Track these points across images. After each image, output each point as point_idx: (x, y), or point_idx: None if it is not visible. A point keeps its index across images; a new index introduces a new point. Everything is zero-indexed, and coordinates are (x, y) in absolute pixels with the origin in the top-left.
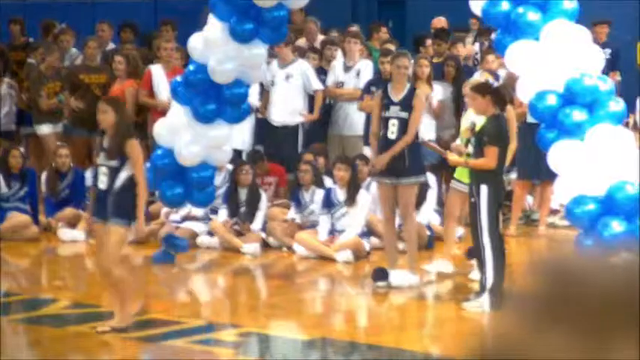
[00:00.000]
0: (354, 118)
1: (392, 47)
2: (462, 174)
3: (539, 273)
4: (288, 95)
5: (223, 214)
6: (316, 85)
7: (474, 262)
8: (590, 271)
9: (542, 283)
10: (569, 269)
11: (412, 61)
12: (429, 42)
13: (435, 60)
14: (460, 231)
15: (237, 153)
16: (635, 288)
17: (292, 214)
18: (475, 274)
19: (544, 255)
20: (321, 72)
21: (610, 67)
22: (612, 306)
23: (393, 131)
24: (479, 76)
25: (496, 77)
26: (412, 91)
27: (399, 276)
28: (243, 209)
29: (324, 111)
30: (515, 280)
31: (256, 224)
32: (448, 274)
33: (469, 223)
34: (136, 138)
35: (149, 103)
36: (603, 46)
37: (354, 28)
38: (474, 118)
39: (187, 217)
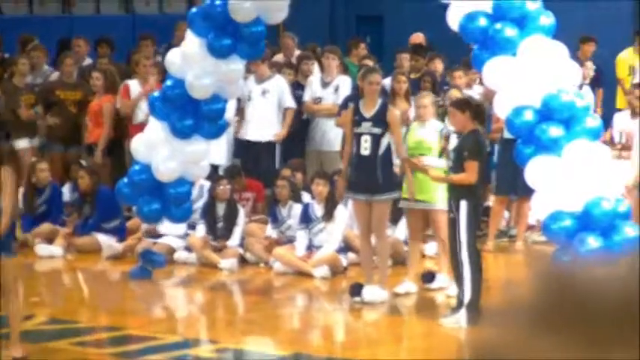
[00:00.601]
0: (331, 134)
1: (370, 63)
2: (418, 192)
3: (535, 282)
4: (264, 111)
5: (201, 229)
6: (289, 102)
7: (431, 285)
8: (587, 280)
9: (537, 292)
10: (566, 278)
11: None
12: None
13: (412, 76)
14: (433, 247)
15: (214, 168)
16: (633, 297)
17: (270, 231)
18: (453, 290)
19: (535, 267)
20: (298, 87)
21: (596, 84)
22: (610, 316)
23: (365, 147)
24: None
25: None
26: (384, 107)
27: (370, 292)
28: (220, 224)
29: (302, 126)
30: (499, 294)
31: (234, 240)
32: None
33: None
34: (9, 165)
35: (129, 106)
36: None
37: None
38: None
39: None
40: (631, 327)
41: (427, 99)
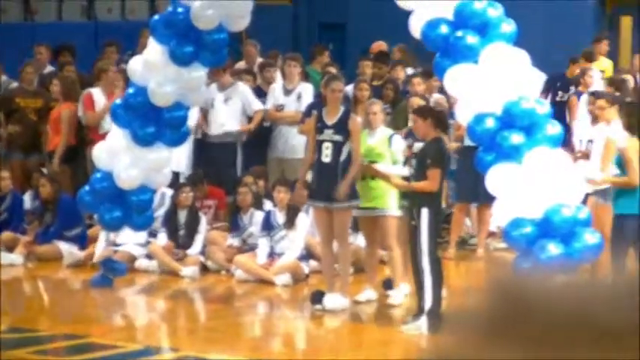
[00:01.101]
0: (294, 141)
1: (334, 70)
2: (365, 200)
3: (489, 292)
4: (227, 118)
5: (162, 237)
6: (256, 105)
7: (390, 292)
8: (538, 290)
9: (490, 302)
10: (518, 288)
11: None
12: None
13: (374, 83)
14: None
15: (176, 175)
16: (585, 307)
17: (231, 239)
18: (395, 299)
19: (494, 275)
20: (260, 93)
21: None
22: (565, 324)
23: (327, 154)
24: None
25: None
26: (346, 115)
27: (331, 299)
28: (182, 232)
29: (263, 133)
30: (459, 301)
31: (195, 248)
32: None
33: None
34: None
35: (97, 118)
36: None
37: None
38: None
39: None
40: (587, 335)
41: (377, 106)
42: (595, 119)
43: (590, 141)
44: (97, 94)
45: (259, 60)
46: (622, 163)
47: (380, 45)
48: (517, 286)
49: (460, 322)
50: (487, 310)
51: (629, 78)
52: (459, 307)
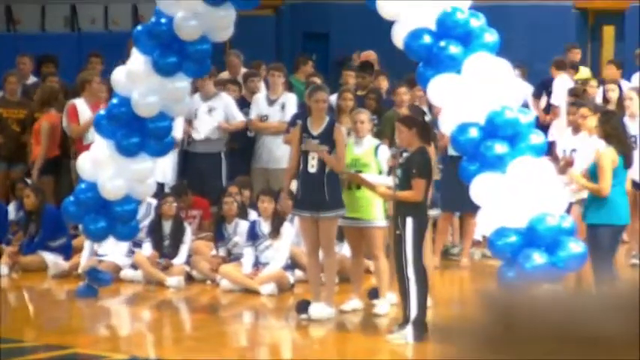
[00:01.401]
0: (278, 152)
1: (318, 80)
2: (351, 210)
3: (483, 305)
4: (210, 128)
5: (147, 247)
6: (238, 117)
7: (375, 302)
8: (533, 303)
9: (484, 315)
10: (512, 302)
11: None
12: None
13: (358, 93)
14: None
15: (160, 186)
16: (578, 319)
17: (216, 249)
18: (381, 309)
19: (487, 288)
20: (244, 104)
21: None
22: (557, 338)
23: (312, 165)
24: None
25: (415, 111)
26: (331, 125)
27: (317, 309)
28: (167, 242)
29: (248, 143)
30: (446, 311)
31: (180, 258)
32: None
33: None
34: None
35: (81, 131)
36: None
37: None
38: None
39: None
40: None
41: (364, 115)
42: (576, 129)
43: (574, 150)
44: (81, 104)
45: (243, 70)
46: (596, 173)
47: (369, 55)
48: (509, 298)
49: (448, 333)
50: (476, 322)
51: (614, 87)
52: (448, 318)
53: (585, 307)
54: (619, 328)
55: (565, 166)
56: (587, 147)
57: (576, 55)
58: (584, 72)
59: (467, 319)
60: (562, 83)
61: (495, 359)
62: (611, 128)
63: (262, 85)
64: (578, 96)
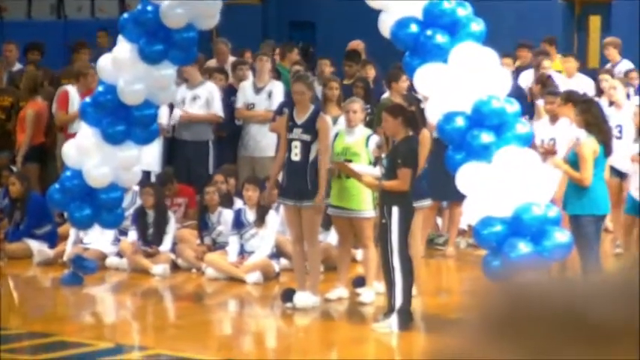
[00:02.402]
0: (264, 140)
1: (301, 68)
2: (340, 199)
3: (492, 294)
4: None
5: (132, 235)
6: (218, 110)
7: (360, 290)
8: (543, 291)
9: (494, 303)
10: (521, 290)
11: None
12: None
13: (345, 82)
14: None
15: (146, 174)
16: (586, 305)
17: (200, 240)
18: (366, 297)
19: (500, 278)
20: (232, 92)
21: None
22: (565, 325)
23: (296, 153)
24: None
25: (410, 99)
26: (315, 114)
27: (302, 297)
28: (151, 230)
29: (234, 132)
30: (432, 300)
31: (165, 245)
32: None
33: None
34: None
35: (68, 120)
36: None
37: (270, 41)
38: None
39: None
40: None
41: (357, 105)
42: (553, 118)
43: (552, 139)
44: (74, 92)
45: (231, 58)
46: (576, 162)
47: (357, 44)
48: (516, 287)
49: (471, 320)
50: (483, 313)
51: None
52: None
53: (594, 295)
54: (620, 313)
55: (545, 155)
56: (566, 136)
57: (552, 46)
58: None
59: (476, 310)
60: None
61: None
62: (592, 117)
63: (250, 74)
64: (543, 84)
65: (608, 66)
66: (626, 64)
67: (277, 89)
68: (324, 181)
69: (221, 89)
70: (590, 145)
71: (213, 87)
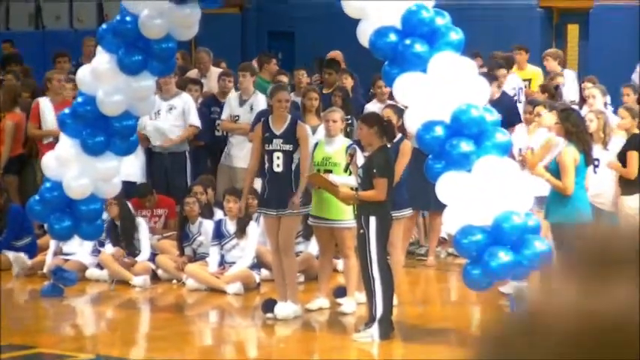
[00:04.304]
0: (244, 150)
1: (285, 79)
2: (320, 210)
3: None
4: (171, 127)
5: (109, 247)
6: (194, 121)
7: (341, 300)
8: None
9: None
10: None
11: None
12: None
13: (324, 91)
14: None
15: (130, 185)
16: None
17: (180, 251)
18: (347, 307)
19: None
20: (215, 103)
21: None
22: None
23: (278, 164)
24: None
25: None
26: (294, 124)
27: (283, 308)
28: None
29: (214, 142)
30: (412, 309)
31: (143, 255)
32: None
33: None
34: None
35: (37, 135)
36: None
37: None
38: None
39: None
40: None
41: (337, 114)
42: (532, 128)
43: (531, 149)
44: (45, 103)
45: (214, 69)
46: (557, 170)
47: (336, 54)
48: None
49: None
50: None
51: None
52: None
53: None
54: None
55: (524, 164)
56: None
57: (521, 56)
58: (531, 71)
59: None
60: (510, 81)
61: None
62: (572, 125)
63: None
64: (550, 94)
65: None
66: (567, 76)
67: (259, 102)
68: (303, 185)
69: (196, 100)
70: (570, 154)
71: (189, 98)
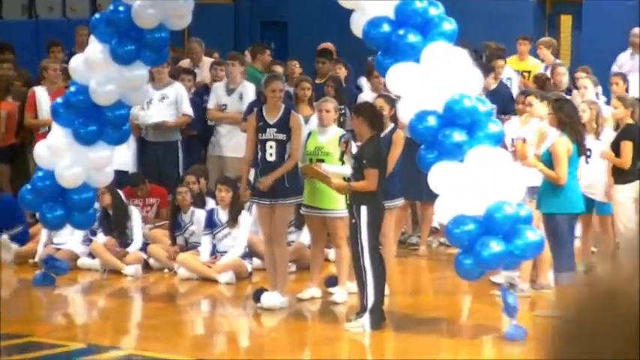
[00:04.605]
0: (234, 140)
1: (280, 69)
2: (313, 199)
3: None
4: (163, 116)
5: (101, 236)
6: (187, 110)
7: (332, 290)
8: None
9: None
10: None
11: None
12: None
13: (317, 80)
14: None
15: (123, 174)
16: None
17: (172, 240)
18: (339, 297)
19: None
20: (206, 92)
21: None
22: None
23: (271, 153)
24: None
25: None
26: (287, 113)
27: (269, 297)
28: (116, 231)
29: (205, 131)
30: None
31: (135, 244)
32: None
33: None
34: None
35: (33, 125)
36: None
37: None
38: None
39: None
40: None
41: (330, 104)
42: (524, 118)
43: (522, 139)
44: (41, 92)
45: (206, 59)
46: (550, 161)
47: (327, 46)
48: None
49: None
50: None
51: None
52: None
53: None
54: None
55: (516, 154)
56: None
57: (523, 47)
58: (532, 63)
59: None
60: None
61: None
62: (565, 116)
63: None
64: (542, 84)
65: (542, 66)
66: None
67: (248, 91)
68: (284, 171)
69: (188, 90)
70: (563, 144)
71: (181, 87)
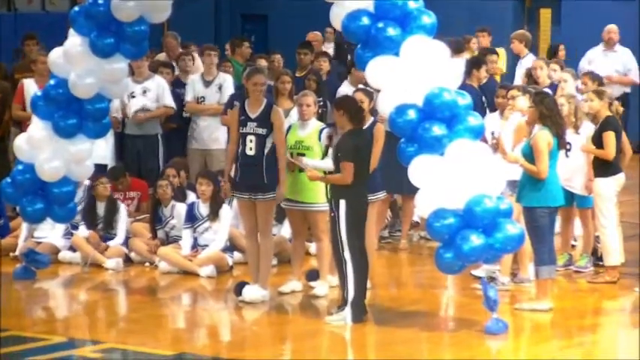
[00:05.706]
0: (215, 132)
1: (264, 62)
2: (294, 193)
3: None
4: (145, 109)
5: (83, 229)
6: (169, 102)
7: (313, 283)
8: None
9: None
10: None
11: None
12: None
13: (297, 74)
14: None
15: (102, 168)
16: None
17: (153, 234)
18: (320, 290)
19: None
20: (179, 85)
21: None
22: None
23: (251, 147)
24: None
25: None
26: (269, 108)
27: (250, 291)
28: (101, 224)
29: (184, 124)
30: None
31: (118, 239)
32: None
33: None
34: None
35: (21, 117)
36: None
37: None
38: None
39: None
40: None
41: (310, 98)
42: (504, 112)
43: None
44: (30, 85)
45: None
46: (531, 154)
47: (314, 36)
48: None
49: None
50: None
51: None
52: None
53: None
54: None
55: (496, 148)
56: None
57: (483, 39)
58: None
59: None
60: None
61: None
62: (546, 109)
63: (197, 65)
64: (528, 77)
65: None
66: (531, 58)
67: (227, 82)
68: (284, 174)
69: (169, 82)
70: (544, 138)
71: (162, 80)
